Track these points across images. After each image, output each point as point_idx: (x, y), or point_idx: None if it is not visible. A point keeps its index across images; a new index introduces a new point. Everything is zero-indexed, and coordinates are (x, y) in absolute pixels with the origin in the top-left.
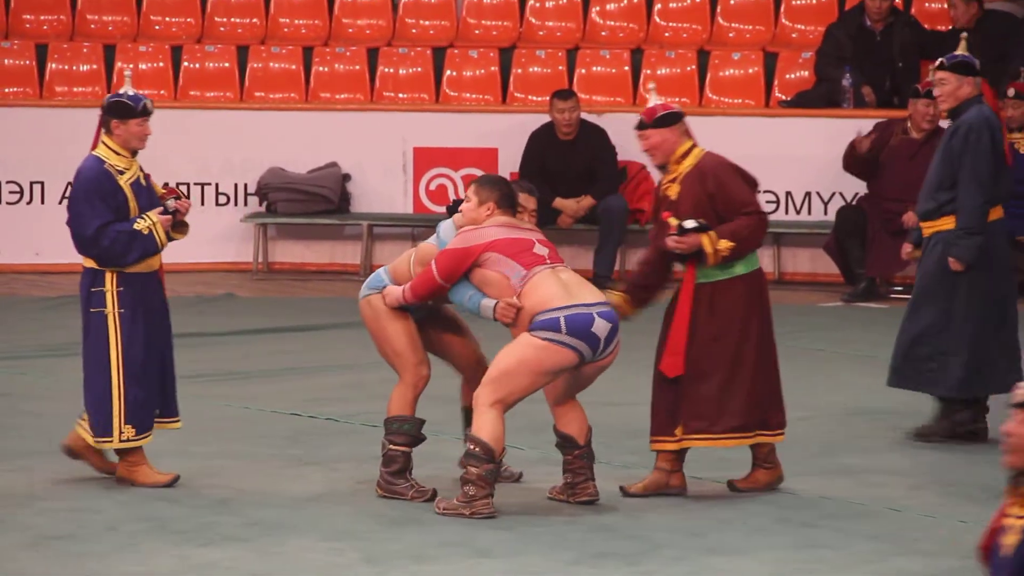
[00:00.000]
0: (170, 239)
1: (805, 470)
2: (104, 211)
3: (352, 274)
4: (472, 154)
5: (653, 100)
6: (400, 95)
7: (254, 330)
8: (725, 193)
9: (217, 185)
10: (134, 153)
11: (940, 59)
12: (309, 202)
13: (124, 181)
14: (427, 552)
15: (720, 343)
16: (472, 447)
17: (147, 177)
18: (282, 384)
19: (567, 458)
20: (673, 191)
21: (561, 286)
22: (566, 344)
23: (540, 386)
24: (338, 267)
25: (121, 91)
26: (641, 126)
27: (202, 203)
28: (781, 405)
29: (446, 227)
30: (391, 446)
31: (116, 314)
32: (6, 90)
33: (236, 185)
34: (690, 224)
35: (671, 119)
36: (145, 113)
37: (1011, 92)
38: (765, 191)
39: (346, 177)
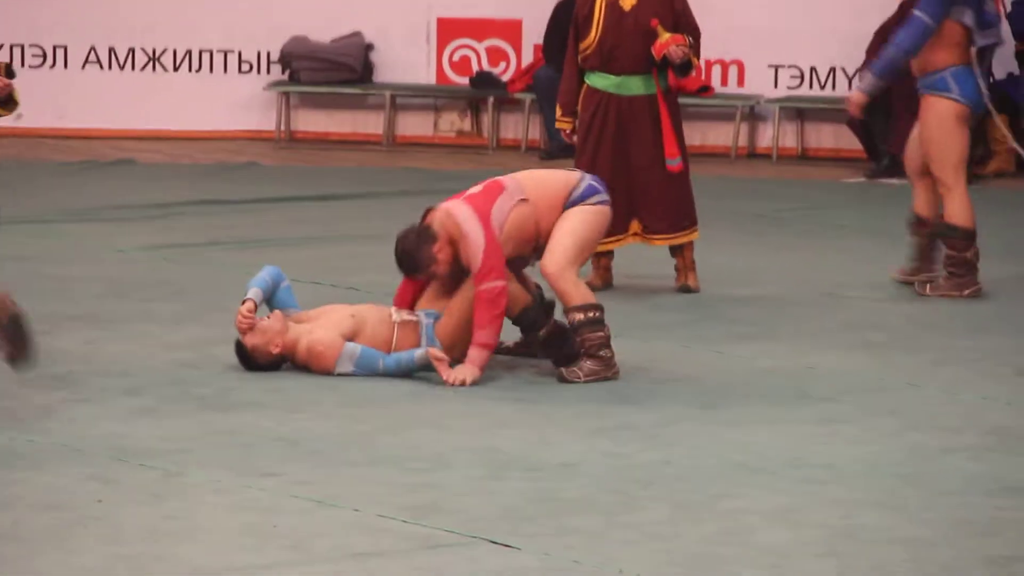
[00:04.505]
0: None
1: (826, 345)
2: None
3: (374, 144)
4: (496, 25)
5: None
6: None
7: (276, 198)
8: (687, 14)
9: (240, 53)
10: None
11: None
12: (332, 71)
13: None
14: (445, 421)
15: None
16: (581, 316)
17: None
18: (304, 253)
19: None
20: (628, 2)
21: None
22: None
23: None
24: (360, 137)
25: None
26: None
27: (225, 71)
28: None
29: None
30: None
31: None
32: None
33: (259, 53)
34: (690, 40)
35: None
36: None
37: None
38: (789, 65)
39: (369, 46)
